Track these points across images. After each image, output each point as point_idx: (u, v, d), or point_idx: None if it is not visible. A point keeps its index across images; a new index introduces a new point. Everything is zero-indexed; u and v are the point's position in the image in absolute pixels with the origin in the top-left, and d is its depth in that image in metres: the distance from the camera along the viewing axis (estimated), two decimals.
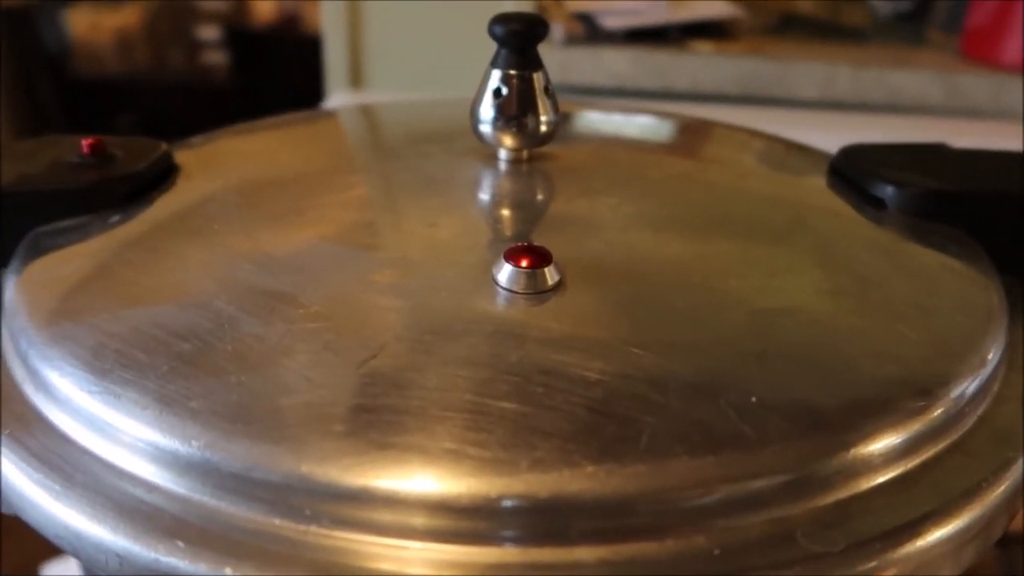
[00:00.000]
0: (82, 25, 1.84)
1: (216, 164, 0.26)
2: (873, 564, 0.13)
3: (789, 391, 0.15)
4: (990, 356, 0.18)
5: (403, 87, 0.82)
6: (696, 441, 0.14)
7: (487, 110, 0.23)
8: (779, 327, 0.17)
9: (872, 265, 0.21)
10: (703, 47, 0.80)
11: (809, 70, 0.76)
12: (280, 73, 1.86)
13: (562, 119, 0.24)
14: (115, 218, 0.22)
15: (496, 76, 0.23)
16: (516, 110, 0.23)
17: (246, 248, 0.19)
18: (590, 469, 0.13)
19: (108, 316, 0.17)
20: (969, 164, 0.27)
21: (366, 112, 0.32)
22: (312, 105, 0.77)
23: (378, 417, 0.14)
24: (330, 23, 0.76)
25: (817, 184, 0.26)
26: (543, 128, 0.24)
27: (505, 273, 0.17)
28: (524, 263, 0.17)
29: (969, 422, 0.17)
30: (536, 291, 0.17)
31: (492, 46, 0.23)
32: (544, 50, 0.24)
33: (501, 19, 0.23)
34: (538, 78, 0.23)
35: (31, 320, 0.17)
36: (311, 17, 1.93)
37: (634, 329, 0.16)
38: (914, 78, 0.75)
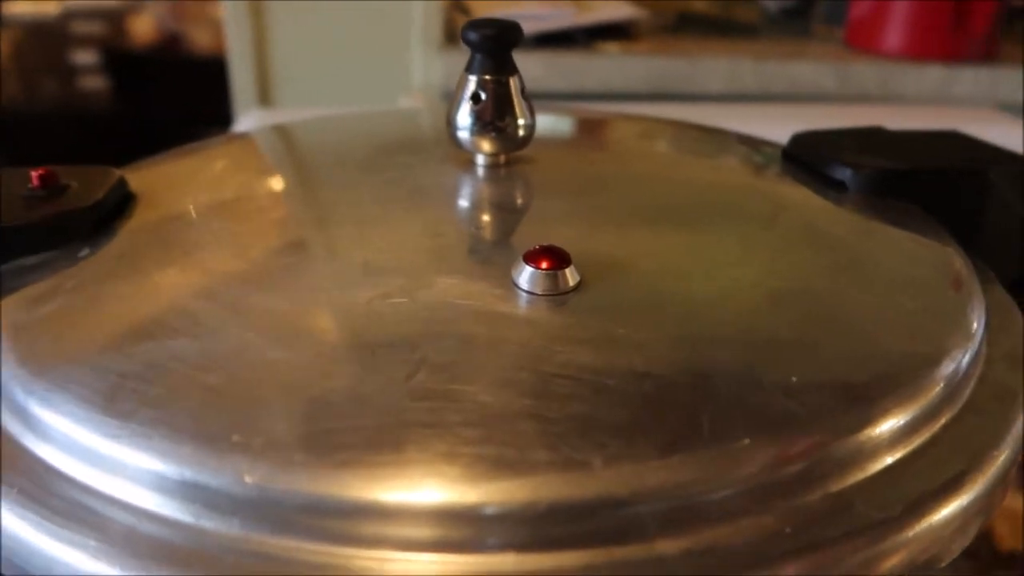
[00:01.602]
0: None
1: (176, 189, 0.25)
2: (932, 522, 0.14)
3: (824, 367, 0.16)
4: (977, 320, 0.19)
5: (313, 103, 0.81)
6: (755, 424, 0.14)
7: (464, 116, 0.23)
8: (798, 306, 0.18)
9: (855, 243, 0.22)
10: (610, 48, 0.82)
11: (714, 65, 0.79)
12: (165, 96, 1.78)
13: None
14: (84, 252, 0.20)
15: (472, 82, 0.23)
16: (494, 115, 0.23)
17: (244, 270, 0.18)
18: (662, 461, 0.13)
19: (114, 354, 0.16)
20: (911, 144, 0.28)
21: (318, 127, 0.31)
22: (205, 127, 0.74)
23: (444, 431, 0.13)
24: (235, 42, 0.74)
25: (777, 171, 0.27)
26: (521, 132, 0.24)
27: (525, 276, 0.17)
28: (544, 265, 0.17)
29: (972, 383, 0.18)
30: (558, 292, 0.17)
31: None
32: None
33: (475, 25, 0.23)
34: (514, 82, 0.23)
35: (24, 367, 0.16)
36: (195, 37, 1.86)
37: (664, 321, 0.17)
38: (810, 68, 0.79)
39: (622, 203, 0.23)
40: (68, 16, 1.90)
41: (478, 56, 0.23)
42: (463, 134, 0.23)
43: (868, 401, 0.15)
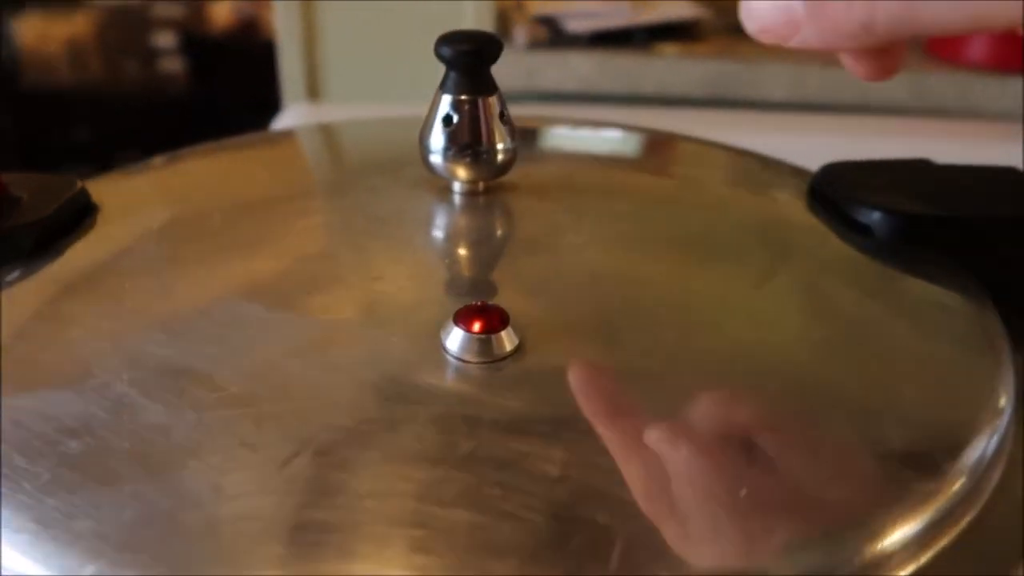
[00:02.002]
0: (31, 35, 1.78)
1: (138, 203, 0.23)
2: None
3: (787, 481, 0.13)
4: (1002, 404, 0.16)
5: (363, 98, 0.80)
6: (677, 553, 0.12)
7: (437, 139, 0.21)
8: (770, 396, 0.15)
9: (863, 306, 0.19)
10: (669, 49, 0.78)
11: (778, 71, 0.74)
12: (239, 80, 1.81)
13: (522, 139, 0.22)
14: (13, 275, 0.19)
15: (446, 101, 0.21)
16: (469, 138, 0.21)
17: (160, 312, 0.17)
18: None
19: None
20: (956, 183, 0.25)
21: (310, 136, 0.29)
22: (275, 112, 0.74)
23: (302, 537, 0.11)
24: (285, 33, 0.73)
25: (797, 208, 0.24)
26: (499, 157, 0.22)
27: (455, 339, 0.15)
28: (477, 327, 0.15)
29: (987, 492, 0.15)
30: (491, 359, 0.15)
31: None
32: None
33: (449, 39, 0.20)
34: (492, 103, 0.21)
35: None
36: (269, 22, 1.88)
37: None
38: None
39: (605, 240, 0.20)
40: None
41: (452, 73, 0.21)
42: (435, 158, 0.21)
43: (835, 531, 0.12)
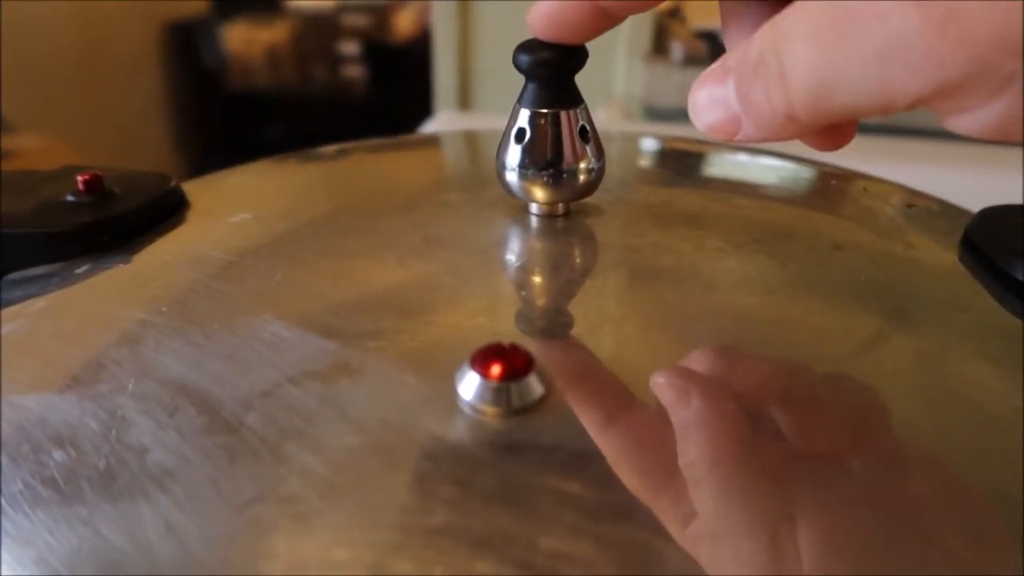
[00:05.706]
0: (237, 40, 1.95)
1: (221, 207, 0.23)
2: None
3: None
4: None
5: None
6: None
7: (512, 156, 0.19)
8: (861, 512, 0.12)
9: (1005, 397, 0.15)
10: None
11: None
12: (414, 85, 1.89)
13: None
14: (83, 268, 0.19)
15: (522, 115, 0.19)
16: (544, 156, 0.19)
17: (190, 321, 0.16)
18: None
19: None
20: None
21: (408, 147, 0.28)
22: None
23: None
24: (441, 43, 0.74)
25: (943, 259, 0.20)
26: (581, 178, 0.20)
27: (466, 384, 0.13)
28: (495, 371, 0.13)
29: None
30: (509, 411, 0.13)
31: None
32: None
33: (528, 47, 0.19)
34: (572, 117, 0.19)
35: None
36: None
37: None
38: None
39: (692, 278, 0.18)
40: (341, 9, 2.09)
41: (530, 84, 0.19)
42: (510, 176, 0.20)
43: None
